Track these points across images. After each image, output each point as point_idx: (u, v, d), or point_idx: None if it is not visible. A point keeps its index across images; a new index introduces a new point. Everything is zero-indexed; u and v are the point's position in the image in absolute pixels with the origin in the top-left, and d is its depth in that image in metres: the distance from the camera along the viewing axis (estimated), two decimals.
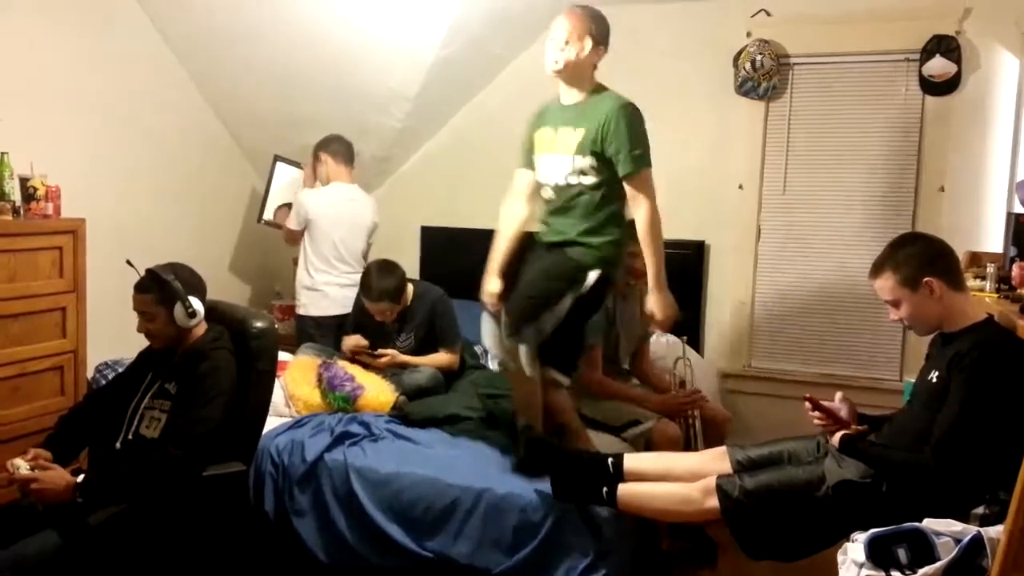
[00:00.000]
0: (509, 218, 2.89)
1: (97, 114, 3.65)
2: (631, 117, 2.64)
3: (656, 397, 3.39)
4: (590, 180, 2.67)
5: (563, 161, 2.70)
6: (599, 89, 2.75)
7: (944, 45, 3.69)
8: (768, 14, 3.96)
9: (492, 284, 2.82)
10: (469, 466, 2.80)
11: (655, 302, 2.71)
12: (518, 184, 2.90)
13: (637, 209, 2.65)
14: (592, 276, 2.69)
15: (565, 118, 2.74)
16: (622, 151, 2.60)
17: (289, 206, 4.09)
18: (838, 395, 2.50)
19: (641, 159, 2.62)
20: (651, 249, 2.66)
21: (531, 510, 2.60)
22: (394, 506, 2.74)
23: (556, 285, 2.69)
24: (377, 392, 3.21)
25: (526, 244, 2.85)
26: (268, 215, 4.29)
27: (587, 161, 2.66)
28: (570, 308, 2.68)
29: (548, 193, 2.78)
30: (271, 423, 3.00)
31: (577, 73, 2.72)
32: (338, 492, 2.82)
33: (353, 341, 3.52)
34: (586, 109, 2.71)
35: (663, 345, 3.81)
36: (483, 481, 2.70)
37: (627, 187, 2.64)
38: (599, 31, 2.72)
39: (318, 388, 3.24)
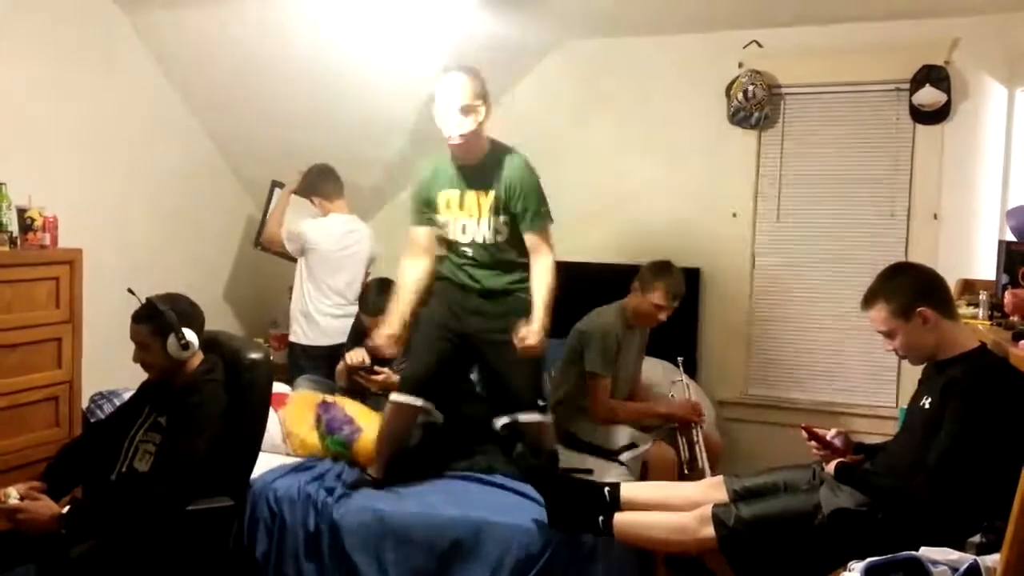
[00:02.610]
0: (413, 273, 3.01)
1: (95, 145, 3.67)
2: (533, 176, 2.84)
3: (663, 404, 3.41)
4: (503, 237, 2.87)
5: (479, 223, 2.85)
6: (495, 147, 2.87)
7: (934, 75, 3.74)
8: (760, 45, 4.02)
9: (391, 328, 2.94)
10: (466, 503, 2.79)
11: (536, 333, 2.74)
12: (420, 241, 3.01)
13: (540, 258, 2.84)
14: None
15: (470, 181, 2.84)
16: (530, 210, 2.82)
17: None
18: (832, 431, 2.51)
19: (546, 215, 2.86)
20: (548, 292, 2.80)
21: (530, 541, 2.59)
22: (390, 557, 2.72)
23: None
24: (375, 434, 3.18)
25: (439, 290, 3.00)
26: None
27: (501, 220, 2.84)
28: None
29: (467, 251, 2.91)
30: (269, 463, 3.00)
31: (478, 140, 2.82)
32: (332, 541, 2.79)
33: (359, 356, 3.46)
34: (488, 170, 2.82)
35: (658, 372, 3.82)
36: (482, 515, 2.69)
37: (531, 238, 2.84)
38: (485, 93, 2.81)
39: (316, 430, 3.22)
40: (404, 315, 2.97)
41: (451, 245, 2.96)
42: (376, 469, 3.02)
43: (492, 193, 2.82)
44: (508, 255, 2.89)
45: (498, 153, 2.86)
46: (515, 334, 2.72)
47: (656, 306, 3.30)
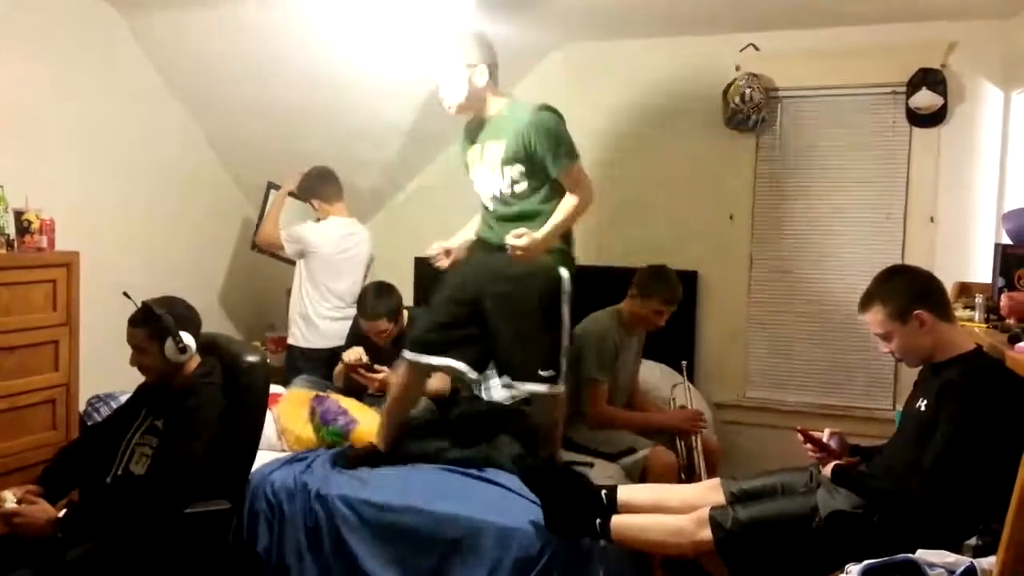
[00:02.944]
0: (475, 222, 3.06)
1: (93, 148, 3.67)
2: (549, 120, 2.74)
3: (660, 415, 3.41)
4: (522, 187, 2.80)
5: (493, 173, 2.84)
6: (515, 102, 2.89)
7: (930, 78, 3.75)
8: (756, 48, 4.02)
9: (447, 243, 2.99)
10: (466, 500, 2.79)
11: (532, 238, 2.66)
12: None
13: (568, 197, 2.77)
14: (566, 276, 2.84)
15: (488, 132, 2.86)
16: (550, 151, 2.72)
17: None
18: (826, 431, 2.52)
19: (568, 155, 2.75)
20: (564, 219, 2.75)
21: (529, 543, 2.59)
22: (390, 551, 2.72)
23: (549, 300, 2.81)
24: (370, 426, 3.20)
25: (469, 252, 3.01)
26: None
27: (516, 169, 2.78)
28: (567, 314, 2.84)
29: (490, 204, 2.92)
30: (264, 458, 2.98)
31: (481, 103, 2.86)
32: (333, 533, 2.79)
33: (356, 354, 3.46)
34: (503, 121, 2.82)
35: (656, 375, 3.82)
36: (483, 514, 2.69)
37: (564, 182, 2.77)
38: (477, 55, 2.80)
39: (311, 423, 3.22)
40: (463, 241, 3.01)
41: (482, 201, 2.97)
42: (382, 441, 3.01)
43: (504, 141, 2.78)
44: (529, 205, 2.81)
45: (513, 103, 2.87)
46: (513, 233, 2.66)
47: (655, 311, 3.31)
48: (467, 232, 3.06)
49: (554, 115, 2.77)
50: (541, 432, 2.99)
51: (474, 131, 2.94)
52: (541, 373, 2.82)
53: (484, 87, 2.83)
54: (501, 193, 2.85)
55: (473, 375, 2.96)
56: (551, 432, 2.99)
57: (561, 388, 2.88)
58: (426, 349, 2.93)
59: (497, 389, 3.33)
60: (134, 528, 2.24)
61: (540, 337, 2.82)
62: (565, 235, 2.87)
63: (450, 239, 3.02)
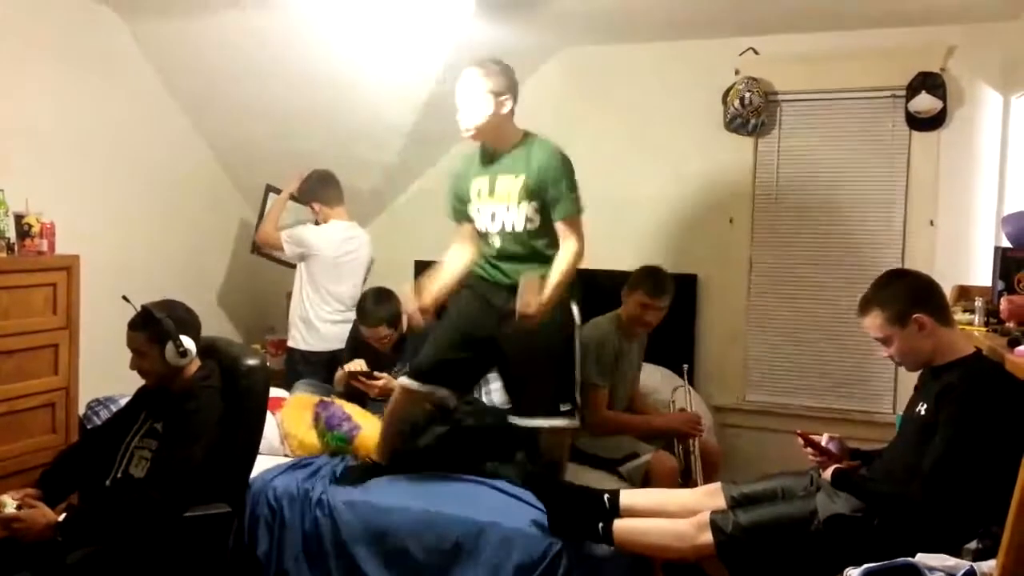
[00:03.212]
0: (458, 258, 2.95)
1: (94, 152, 3.67)
2: (567, 164, 2.77)
3: (660, 418, 3.40)
4: (534, 225, 2.78)
5: (509, 209, 2.78)
6: (528, 136, 2.84)
7: (929, 82, 3.75)
8: (756, 52, 4.03)
9: (423, 302, 2.81)
10: (468, 504, 2.79)
11: (539, 303, 2.62)
12: (465, 233, 2.96)
13: (566, 242, 2.75)
14: (575, 308, 2.86)
15: (502, 167, 2.80)
16: (561, 197, 2.73)
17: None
18: (825, 436, 2.52)
19: (576, 203, 2.77)
20: (564, 272, 2.73)
21: (531, 545, 2.59)
22: (391, 555, 2.72)
23: (565, 338, 2.82)
24: (374, 432, 3.18)
25: (470, 291, 2.93)
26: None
27: (532, 206, 2.76)
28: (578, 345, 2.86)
29: (496, 241, 2.84)
30: (266, 463, 2.99)
31: (498, 132, 2.80)
32: (334, 537, 2.79)
33: (357, 365, 3.46)
34: (521, 156, 2.79)
35: (656, 378, 3.82)
36: (485, 517, 2.69)
37: (561, 227, 2.76)
38: (505, 85, 2.76)
39: (315, 428, 3.22)
40: (439, 293, 2.89)
41: (482, 237, 2.90)
42: (381, 454, 3.01)
43: (523, 177, 2.75)
44: (539, 245, 2.80)
45: (531, 139, 2.83)
46: (519, 299, 2.61)
47: (641, 305, 3.28)
48: (445, 276, 2.92)
49: (569, 160, 2.79)
50: (550, 458, 2.96)
51: (483, 162, 2.86)
52: (561, 408, 2.83)
53: (505, 117, 2.78)
54: (514, 229, 2.79)
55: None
56: (561, 459, 2.99)
57: (577, 421, 2.89)
58: (428, 379, 2.91)
59: (498, 393, 3.33)
60: (134, 532, 2.24)
61: (558, 373, 2.84)
62: None
63: (420, 287, 2.87)
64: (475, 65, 2.78)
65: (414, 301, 2.79)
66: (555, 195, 2.73)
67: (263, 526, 2.87)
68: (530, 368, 2.83)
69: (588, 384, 3.26)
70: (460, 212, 2.95)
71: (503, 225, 2.81)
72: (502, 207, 2.80)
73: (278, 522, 2.86)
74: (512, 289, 2.71)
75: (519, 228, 2.79)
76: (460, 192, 2.92)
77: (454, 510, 2.73)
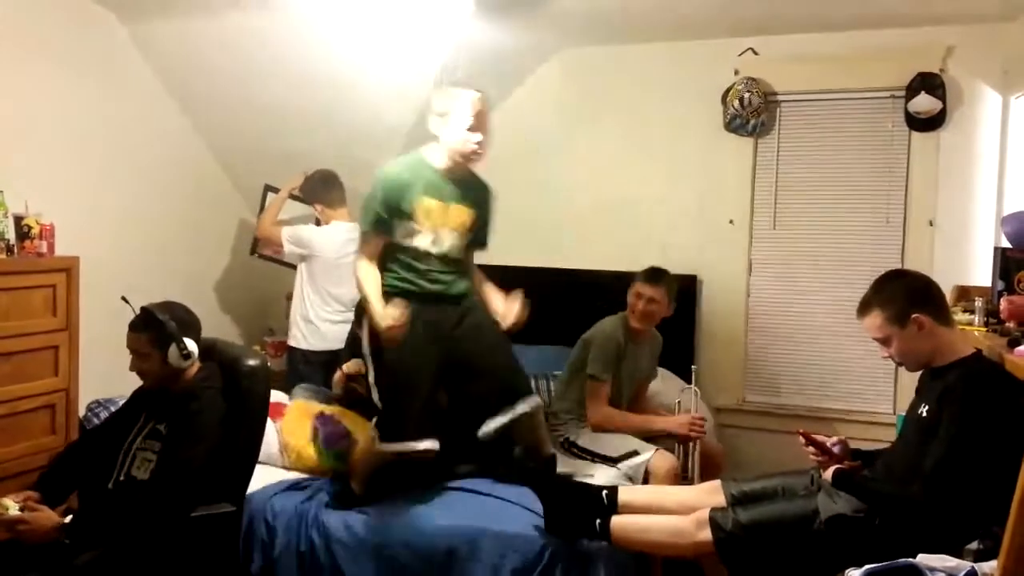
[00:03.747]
0: (376, 278, 2.77)
1: (93, 153, 3.67)
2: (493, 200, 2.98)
3: (660, 420, 3.41)
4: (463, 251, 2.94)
5: (458, 236, 2.85)
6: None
7: (928, 82, 3.76)
8: (755, 53, 4.03)
9: (396, 319, 2.64)
10: (464, 511, 2.78)
11: (516, 306, 2.81)
12: (374, 249, 2.79)
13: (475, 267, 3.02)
14: None
15: (454, 194, 2.83)
16: (487, 229, 2.98)
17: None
18: (833, 439, 2.52)
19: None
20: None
21: (526, 549, 2.58)
22: (386, 566, 2.70)
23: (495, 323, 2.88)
24: (369, 444, 3.16)
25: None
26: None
27: (469, 235, 2.91)
28: None
29: (433, 261, 2.81)
30: (266, 478, 2.99)
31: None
32: (328, 552, 2.77)
33: (355, 366, 3.43)
34: (470, 188, 2.88)
35: (658, 381, 3.82)
36: (482, 523, 2.68)
37: (480, 249, 3.02)
38: None
39: (313, 444, 3.21)
40: (396, 308, 2.66)
41: (409, 252, 2.79)
42: (357, 484, 2.96)
43: (474, 212, 2.87)
44: (462, 263, 2.93)
45: (475, 175, 2.92)
46: (496, 313, 2.82)
47: (636, 295, 3.35)
48: (386, 307, 2.68)
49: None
50: (530, 441, 2.98)
51: (431, 183, 2.78)
52: (523, 391, 2.88)
53: None
54: (451, 253, 2.83)
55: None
56: (540, 440, 3.00)
57: (538, 397, 2.96)
58: (410, 436, 2.74)
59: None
60: (141, 533, 2.23)
61: (512, 355, 2.92)
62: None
63: (384, 314, 2.67)
64: (479, 90, 2.78)
65: (387, 318, 2.64)
66: (484, 226, 2.95)
67: (258, 544, 2.85)
68: (493, 355, 2.86)
69: (589, 376, 3.28)
70: (385, 224, 2.76)
71: (444, 249, 2.82)
72: (451, 233, 2.83)
73: (273, 540, 2.84)
74: (453, 297, 2.84)
75: (454, 254, 2.86)
76: (399, 203, 2.73)
77: (446, 520, 2.72)
